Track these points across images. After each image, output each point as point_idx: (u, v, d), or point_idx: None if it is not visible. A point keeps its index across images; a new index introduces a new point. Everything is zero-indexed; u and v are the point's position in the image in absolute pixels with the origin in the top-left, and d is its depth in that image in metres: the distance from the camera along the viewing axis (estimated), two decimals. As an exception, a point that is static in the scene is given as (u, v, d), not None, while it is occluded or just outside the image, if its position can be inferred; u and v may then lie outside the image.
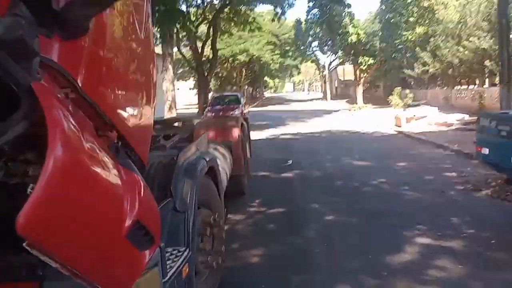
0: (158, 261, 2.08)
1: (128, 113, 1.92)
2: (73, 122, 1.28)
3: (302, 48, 41.18)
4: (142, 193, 1.73)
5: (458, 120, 14.32)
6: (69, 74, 1.34)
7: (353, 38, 29.43)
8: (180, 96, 51.77)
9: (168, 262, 2.34)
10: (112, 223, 1.50)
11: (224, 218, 3.74)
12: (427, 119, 14.98)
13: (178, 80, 51.32)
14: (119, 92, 1.81)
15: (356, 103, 30.47)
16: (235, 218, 5.14)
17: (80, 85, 1.40)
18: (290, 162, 8.91)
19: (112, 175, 1.50)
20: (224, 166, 4.88)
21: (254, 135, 14.55)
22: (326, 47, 37.81)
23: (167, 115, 16.17)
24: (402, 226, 4.57)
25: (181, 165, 2.86)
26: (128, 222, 1.57)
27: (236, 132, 6.01)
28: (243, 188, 6.11)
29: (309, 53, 43.46)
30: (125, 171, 1.65)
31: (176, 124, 6.55)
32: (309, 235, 4.47)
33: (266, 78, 64.23)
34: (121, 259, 1.63)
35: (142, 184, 1.76)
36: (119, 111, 1.81)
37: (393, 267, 3.59)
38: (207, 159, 3.28)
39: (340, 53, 36.36)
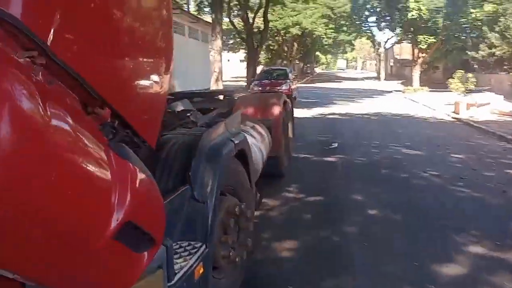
0: (163, 261, 1.79)
1: (127, 85, 1.53)
2: (35, 94, 0.96)
3: (357, 23, 39.38)
4: (138, 185, 1.41)
5: (525, 110, 13.06)
6: (32, 32, 1.00)
7: (414, 13, 27.51)
8: (230, 68, 51.84)
9: (178, 261, 2.05)
10: (88, 222, 1.19)
11: (254, 207, 3.42)
12: (490, 106, 13.76)
13: (228, 51, 51.24)
14: (113, 57, 1.41)
15: (411, 85, 28.84)
16: (270, 204, 4.81)
17: (50, 46, 1.06)
18: (335, 145, 8.42)
19: (92, 164, 1.17)
20: (260, 146, 4.53)
21: (301, 112, 14.07)
22: (383, 23, 35.85)
23: (213, 87, 15.97)
24: (454, 229, 4.06)
25: (203, 147, 2.52)
26: (114, 221, 1.26)
27: (277, 110, 5.62)
28: (281, 170, 5.75)
29: (365, 28, 41.55)
30: (116, 159, 1.32)
31: (218, 97, 6.27)
32: (348, 231, 4.06)
33: (318, 53, 62.71)
34: (107, 264, 1.34)
35: (139, 174, 1.43)
36: (113, 82, 1.42)
37: (441, 279, 3.13)
38: (236, 141, 2.93)
39: (398, 30, 34.33)
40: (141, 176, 1.45)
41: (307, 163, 6.96)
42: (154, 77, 1.71)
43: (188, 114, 3.68)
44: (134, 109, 1.58)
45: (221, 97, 6.14)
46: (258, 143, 4.46)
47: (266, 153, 4.75)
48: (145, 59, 1.65)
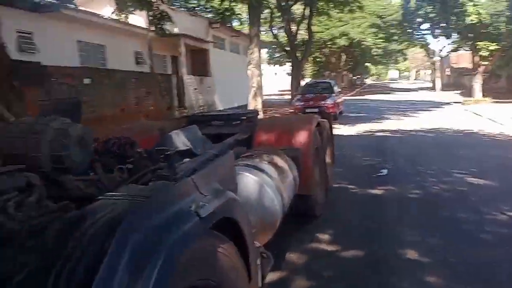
0: None
1: None
2: None
3: (409, 31, 37.32)
4: None
5: None
6: None
7: (473, 18, 25.25)
8: (277, 82, 51.20)
9: None
10: None
11: None
12: None
13: (275, 64, 50.86)
14: None
15: (472, 96, 26.50)
16: (293, 260, 3.72)
17: None
18: (384, 172, 7.13)
19: None
20: (280, 187, 3.43)
21: (346, 130, 12.83)
22: (438, 30, 33.59)
23: (252, 103, 15.06)
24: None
25: (126, 232, 1.26)
26: None
27: (306, 136, 4.50)
28: (313, 211, 4.65)
29: (417, 36, 39.40)
30: None
31: (239, 120, 5.31)
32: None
33: (368, 64, 60.87)
34: None
35: None
36: None
37: None
38: (209, 211, 1.64)
39: (455, 37, 31.96)
40: None
41: (347, 198, 5.76)
42: None
43: (166, 154, 2.64)
44: None
45: (241, 119, 5.19)
46: (274, 184, 3.38)
47: (289, 194, 3.67)
48: None
